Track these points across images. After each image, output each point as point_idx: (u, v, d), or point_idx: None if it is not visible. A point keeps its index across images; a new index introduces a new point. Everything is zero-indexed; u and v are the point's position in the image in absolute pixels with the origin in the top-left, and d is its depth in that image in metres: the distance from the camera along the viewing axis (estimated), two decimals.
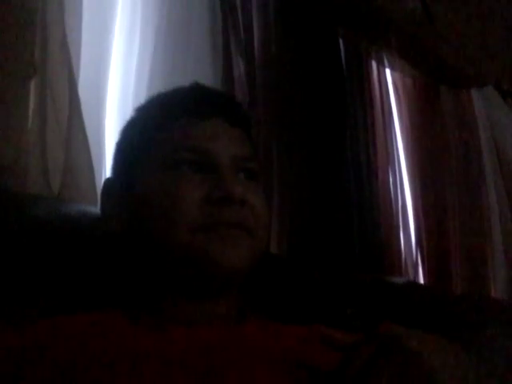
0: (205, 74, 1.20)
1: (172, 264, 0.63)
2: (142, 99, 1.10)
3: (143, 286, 0.67)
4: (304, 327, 0.67)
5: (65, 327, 0.59)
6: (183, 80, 1.15)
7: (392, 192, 1.63)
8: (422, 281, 1.69)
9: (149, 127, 0.69)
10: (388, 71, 1.77)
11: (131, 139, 0.71)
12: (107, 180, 0.72)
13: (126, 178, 0.68)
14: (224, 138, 0.67)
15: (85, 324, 0.60)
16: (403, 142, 1.79)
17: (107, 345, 0.57)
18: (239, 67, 1.28)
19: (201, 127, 0.67)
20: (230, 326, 0.64)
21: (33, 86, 0.91)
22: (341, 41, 1.61)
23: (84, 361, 0.55)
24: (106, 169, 1.02)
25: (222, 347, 0.59)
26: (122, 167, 0.71)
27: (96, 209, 0.92)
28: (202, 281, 0.63)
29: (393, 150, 1.67)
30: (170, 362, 0.56)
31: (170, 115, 0.69)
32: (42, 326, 0.60)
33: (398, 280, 1.43)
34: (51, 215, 0.78)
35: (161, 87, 1.11)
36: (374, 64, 1.70)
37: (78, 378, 0.54)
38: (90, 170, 0.95)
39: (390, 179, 1.63)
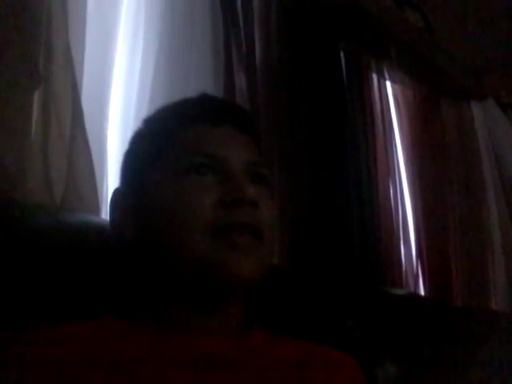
0: (206, 85, 1.21)
1: (183, 270, 0.63)
2: (144, 110, 1.11)
3: (150, 295, 0.66)
4: (302, 344, 0.67)
5: (68, 334, 0.59)
6: (185, 91, 1.16)
7: (393, 204, 1.63)
8: (422, 293, 1.69)
9: (159, 135, 0.69)
10: (388, 83, 1.78)
11: (140, 148, 0.70)
12: (116, 190, 0.71)
13: (135, 186, 0.68)
14: (235, 144, 0.67)
15: (88, 331, 0.60)
16: (404, 154, 1.80)
17: (111, 352, 0.57)
18: (241, 79, 1.29)
19: (212, 134, 0.67)
20: (237, 336, 0.64)
21: (36, 96, 0.92)
22: (342, 53, 1.62)
23: (88, 368, 0.55)
24: (108, 179, 1.02)
25: (228, 358, 0.59)
26: (131, 176, 0.70)
27: (98, 218, 0.92)
28: (212, 289, 0.62)
29: (393, 162, 1.67)
30: (175, 370, 0.56)
31: (181, 123, 0.69)
32: (45, 332, 0.60)
33: (399, 292, 1.43)
34: (53, 225, 0.78)
35: (163, 98, 1.13)
36: (374, 76, 1.71)
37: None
38: (92, 180, 0.95)
39: (391, 191, 1.63)
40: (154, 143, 0.69)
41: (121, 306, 0.69)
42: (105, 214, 0.98)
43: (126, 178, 0.71)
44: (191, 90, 1.17)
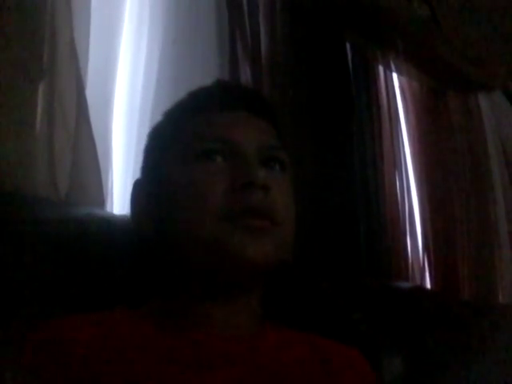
0: (211, 78, 1.20)
1: (196, 257, 0.62)
2: (149, 103, 1.11)
3: (163, 288, 0.66)
4: (312, 339, 0.67)
5: (78, 328, 0.60)
6: (190, 84, 1.15)
7: (399, 197, 1.62)
8: (428, 286, 1.68)
9: (173, 124, 0.70)
10: (395, 76, 1.77)
11: (157, 139, 0.71)
12: (136, 181, 0.72)
13: (152, 176, 0.69)
14: (249, 128, 0.67)
15: (96, 325, 0.60)
16: (410, 146, 1.79)
17: (118, 347, 0.57)
18: (246, 72, 1.29)
19: (224, 118, 0.67)
20: (249, 335, 0.64)
21: (41, 89, 0.92)
22: (348, 45, 1.61)
23: (95, 363, 0.55)
24: (113, 172, 1.02)
25: (239, 357, 0.59)
26: (148, 167, 0.71)
27: (103, 212, 0.92)
28: (225, 274, 0.62)
29: (400, 154, 1.66)
30: (190, 368, 0.56)
31: (194, 111, 0.69)
32: (56, 326, 0.60)
33: (405, 285, 1.42)
34: (58, 219, 0.78)
35: (168, 91, 1.13)
36: (380, 69, 1.70)
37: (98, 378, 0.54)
38: (97, 173, 0.95)
39: (397, 184, 1.62)
40: (168, 132, 0.69)
41: (129, 299, 0.69)
42: (110, 208, 0.99)
43: (144, 169, 0.72)
44: (196, 83, 1.16)
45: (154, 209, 0.66)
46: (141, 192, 0.69)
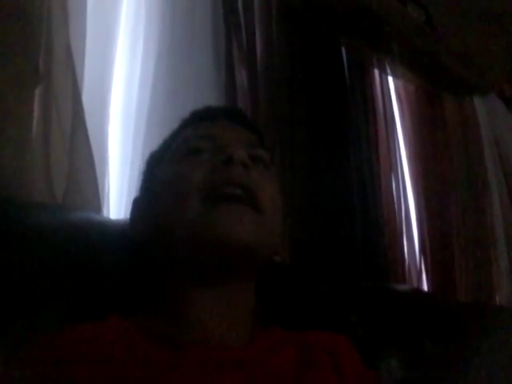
0: (208, 81, 1.21)
1: (183, 242, 0.63)
2: (145, 108, 1.11)
3: (154, 291, 0.67)
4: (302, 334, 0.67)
5: (73, 338, 0.59)
6: (186, 88, 1.17)
7: (395, 200, 1.63)
8: (425, 288, 1.68)
9: (166, 141, 0.75)
10: (390, 79, 1.77)
11: (153, 159, 0.76)
12: (135, 199, 0.75)
13: (149, 188, 0.72)
14: (231, 130, 0.72)
15: (93, 334, 0.60)
16: (406, 149, 1.79)
17: (116, 355, 0.57)
18: (242, 75, 1.29)
19: (208, 124, 0.73)
20: (245, 338, 0.64)
21: (37, 94, 0.92)
22: (343, 48, 1.62)
23: (93, 370, 0.55)
24: (109, 176, 1.02)
25: (234, 361, 0.59)
26: (146, 182, 0.75)
27: (99, 216, 0.92)
28: (211, 256, 0.62)
29: (396, 157, 1.67)
30: (182, 374, 0.56)
31: (183, 125, 0.76)
32: (52, 337, 0.60)
33: (402, 288, 1.42)
34: (54, 222, 0.78)
35: (164, 94, 1.13)
36: (376, 72, 1.71)
37: None
38: (93, 177, 0.95)
39: (393, 187, 1.63)
40: (161, 148, 0.75)
41: (124, 304, 0.69)
42: (106, 212, 0.98)
43: (142, 187, 0.76)
44: (192, 87, 1.18)
45: (150, 217, 0.68)
46: (139, 208, 0.73)
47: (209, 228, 0.61)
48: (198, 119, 0.75)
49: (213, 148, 0.68)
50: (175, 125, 0.96)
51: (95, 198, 0.95)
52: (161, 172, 0.70)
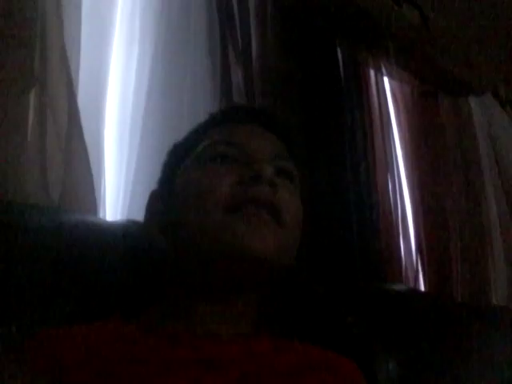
0: (203, 81, 1.21)
1: (199, 246, 0.63)
2: (141, 109, 1.11)
3: (162, 293, 0.67)
4: (305, 349, 0.67)
5: (73, 338, 0.60)
6: (182, 89, 1.16)
7: (392, 200, 1.63)
8: (422, 288, 1.68)
9: (191, 136, 0.73)
10: (386, 80, 1.78)
11: (176, 153, 0.74)
12: (152, 192, 0.74)
13: (169, 184, 0.71)
14: (260, 138, 0.70)
15: (94, 334, 0.60)
16: (402, 149, 1.80)
17: (118, 355, 0.57)
18: (237, 76, 1.29)
19: (239, 128, 0.71)
20: (245, 341, 0.63)
21: (32, 97, 0.92)
22: (338, 49, 1.62)
23: (94, 371, 0.55)
24: (105, 179, 1.02)
25: (233, 363, 0.59)
26: (166, 177, 0.73)
27: (96, 218, 0.92)
28: (228, 267, 0.62)
29: (392, 157, 1.67)
30: (181, 373, 0.56)
31: (209, 125, 0.73)
32: (50, 336, 0.60)
33: (399, 287, 1.42)
34: (51, 225, 0.78)
35: (160, 96, 1.13)
36: (372, 72, 1.71)
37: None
38: (89, 180, 0.95)
39: (390, 186, 1.63)
40: (186, 143, 0.73)
41: (125, 306, 0.69)
42: (102, 214, 0.98)
43: (161, 181, 0.74)
44: (188, 88, 1.18)
45: (167, 214, 0.68)
46: (156, 202, 0.72)
47: (232, 237, 0.60)
48: (228, 119, 0.73)
49: (239, 156, 0.66)
50: (171, 126, 0.96)
51: (91, 200, 0.95)
52: (184, 174, 0.69)
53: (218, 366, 0.58)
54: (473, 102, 2.00)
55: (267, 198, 0.63)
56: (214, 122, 0.74)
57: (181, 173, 0.69)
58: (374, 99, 1.68)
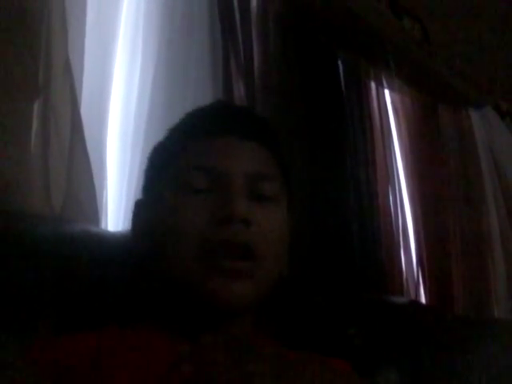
0: (205, 94, 1.22)
1: (178, 292, 0.63)
2: (143, 120, 1.12)
3: (156, 304, 0.67)
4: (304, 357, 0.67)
5: (72, 346, 0.60)
6: (184, 101, 1.17)
7: (392, 212, 1.63)
8: (423, 300, 1.68)
9: (167, 148, 0.71)
10: (387, 92, 1.79)
11: (155, 161, 0.72)
12: (137, 201, 0.73)
13: (151, 198, 0.70)
14: (236, 155, 0.66)
15: (91, 343, 0.60)
16: (403, 161, 1.80)
17: (113, 363, 0.57)
18: (239, 88, 1.30)
19: (213, 146, 0.66)
20: (241, 350, 0.63)
21: (36, 107, 0.92)
22: (339, 62, 1.63)
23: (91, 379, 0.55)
24: (108, 189, 1.03)
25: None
26: (148, 188, 0.72)
27: (98, 228, 0.92)
28: (201, 313, 0.62)
29: (393, 169, 1.67)
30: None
31: (187, 135, 0.69)
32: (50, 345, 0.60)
33: (399, 300, 1.42)
34: (53, 235, 0.78)
35: (162, 108, 1.13)
36: (372, 85, 1.72)
37: None
38: (91, 190, 0.95)
39: (391, 199, 1.63)
40: (163, 156, 0.70)
41: (123, 315, 0.69)
42: (104, 224, 0.99)
43: (144, 190, 0.73)
44: (190, 100, 1.18)
45: (150, 230, 0.67)
46: (141, 212, 0.71)
47: (203, 289, 0.60)
48: (205, 130, 0.68)
49: (212, 184, 0.63)
50: None
51: (93, 210, 0.95)
52: (164, 191, 0.66)
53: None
54: (473, 113, 2.00)
55: (240, 240, 0.60)
56: (190, 130, 0.70)
57: (161, 191, 0.67)
58: (375, 111, 1.69)
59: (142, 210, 0.71)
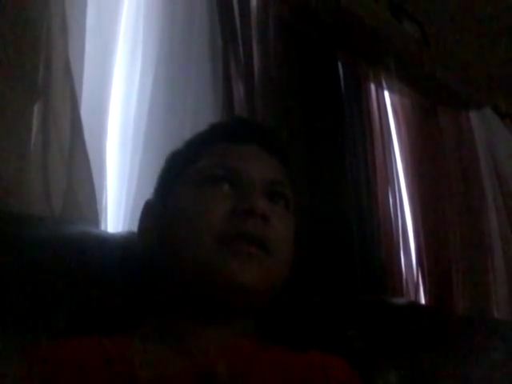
0: (205, 96, 1.22)
1: (190, 276, 0.64)
2: (143, 122, 1.12)
3: (159, 307, 0.67)
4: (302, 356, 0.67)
5: (69, 351, 0.60)
6: (184, 103, 1.17)
7: (392, 213, 1.63)
8: (422, 301, 1.68)
9: (189, 151, 0.73)
10: (386, 93, 1.79)
11: (174, 164, 0.74)
12: (147, 202, 0.74)
13: (164, 197, 0.71)
14: (258, 161, 0.70)
15: (89, 346, 0.60)
16: (402, 163, 1.80)
17: (113, 367, 0.58)
18: (239, 90, 1.30)
19: (236, 150, 0.71)
20: (243, 354, 0.64)
21: (36, 109, 0.93)
22: (339, 64, 1.63)
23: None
24: (107, 190, 1.03)
25: (233, 376, 0.60)
26: (162, 188, 0.73)
27: (97, 230, 0.93)
28: (216, 297, 0.63)
29: (392, 171, 1.67)
30: None
31: (210, 140, 0.73)
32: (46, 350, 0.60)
33: (399, 301, 1.42)
34: (53, 236, 0.78)
35: (162, 110, 1.14)
36: (372, 86, 1.72)
37: None
38: (91, 191, 0.95)
39: (390, 200, 1.63)
40: (184, 159, 0.73)
41: (123, 318, 0.69)
42: (104, 226, 0.99)
43: (157, 191, 0.74)
44: (190, 102, 1.19)
45: (160, 228, 0.68)
46: (150, 212, 0.72)
47: (222, 270, 0.61)
48: (227, 137, 0.73)
49: (235, 181, 0.67)
50: (173, 139, 0.97)
51: (93, 211, 0.95)
52: (179, 193, 0.69)
53: (212, 379, 0.58)
54: (472, 115, 2.01)
55: (258, 233, 0.63)
56: (213, 137, 0.74)
57: (176, 190, 0.69)
58: (375, 113, 1.69)
59: (152, 209, 0.72)
